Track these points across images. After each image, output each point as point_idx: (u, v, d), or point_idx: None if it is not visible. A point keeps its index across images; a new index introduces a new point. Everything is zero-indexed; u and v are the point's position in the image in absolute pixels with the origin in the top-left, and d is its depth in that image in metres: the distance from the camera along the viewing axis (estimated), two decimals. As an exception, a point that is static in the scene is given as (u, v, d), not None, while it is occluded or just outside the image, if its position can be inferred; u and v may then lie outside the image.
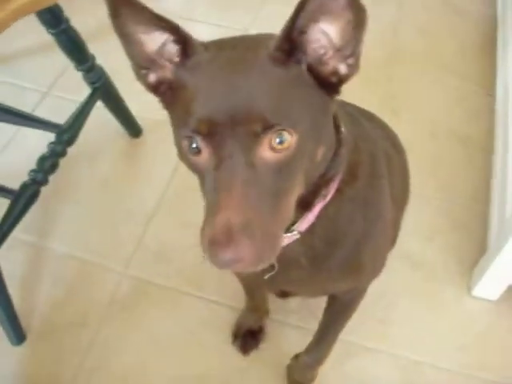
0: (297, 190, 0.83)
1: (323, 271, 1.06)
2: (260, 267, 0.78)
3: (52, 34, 1.59)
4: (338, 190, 0.96)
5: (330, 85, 0.85)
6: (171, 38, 0.86)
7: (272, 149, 0.79)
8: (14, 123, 1.82)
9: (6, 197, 1.58)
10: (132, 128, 1.99)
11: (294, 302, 1.65)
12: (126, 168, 1.96)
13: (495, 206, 1.73)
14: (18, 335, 1.60)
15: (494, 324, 1.65)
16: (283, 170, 0.80)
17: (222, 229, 0.74)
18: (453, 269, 1.74)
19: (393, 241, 1.48)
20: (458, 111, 2.14)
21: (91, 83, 1.75)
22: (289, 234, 0.95)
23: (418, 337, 1.62)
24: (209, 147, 0.80)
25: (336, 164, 0.93)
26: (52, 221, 1.83)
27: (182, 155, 0.85)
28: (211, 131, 0.79)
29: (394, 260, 1.68)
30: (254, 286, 1.48)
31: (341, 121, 0.95)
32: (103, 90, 1.78)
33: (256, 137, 0.78)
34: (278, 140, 0.78)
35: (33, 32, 1.85)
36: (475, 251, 1.75)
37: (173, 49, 0.87)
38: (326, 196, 0.95)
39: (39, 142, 1.79)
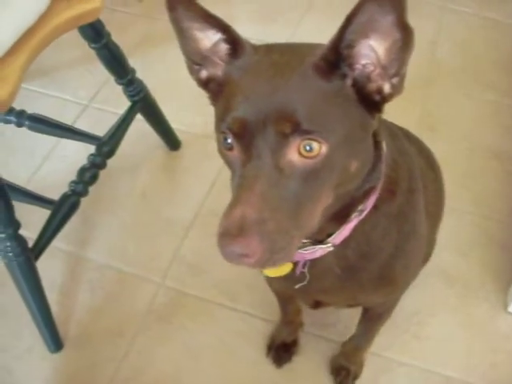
0: (323, 201, 0.84)
1: (355, 282, 1.07)
2: (268, 267, 0.80)
3: (93, 49, 1.62)
4: (375, 207, 0.97)
5: (372, 102, 0.85)
6: (223, 37, 0.88)
7: (300, 154, 0.80)
8: (55, 135, 1.86)
9: (46, 207, 1.61)
10: (171, 141, 2.02)
11: (328, 316, 1.66)
12: (165, 180, 1.99)
13: (532, 223, 1.72)
14: (56, 342, 1.63)
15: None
16: (310, 177, 0.81)
17: (236, 222, 0.76)
18: (488, 285, 1.73)
19: (426, 257, 1.48)
20: (495, 126, 2.13)
21: (131, 96, 1.78)
22: (323, 246, 0.96)
23: (451, 353, 1.61)
24: (240, 145, 0.82)
25: (373, 179, 0.94)
26: (91, 231, 1.86)
27: (219, 149, 0.87)
28: (243, 130, 0.81)
29: (429, 275, 1.68)
30: (287, 298, 1.49)
31: (382, 137, 0.95)
32: (143, 103, 1.81)
33: (285, 138, 0.79)
34: (307, 147, 0.79)
35: (75, 46, 1.90)
36: (511, 268, 1.74)
37: (224, 48, 0.89)
38: (362, 211, 0.95)
39: (79, 153, 1.83)
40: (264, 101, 0.81)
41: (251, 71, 0.86)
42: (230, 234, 0.76)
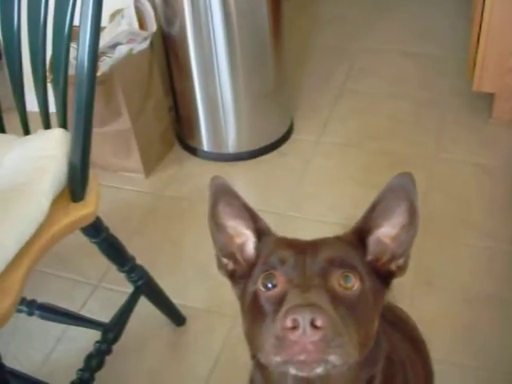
0: (369, 329, 0.90)
1: None
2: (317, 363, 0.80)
3: (94, 243, 1.73)
4: None
5: (382, 278, 0.95)
6: (252, 237, 0.98)
7: (339, 285, 0.87)
8: (64, 323, 1.95)
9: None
10: (175, 317, 2.10)
11: None
12: (173, 356, 2.04)
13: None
14: None
15: None
16: (351, 306, 0.86)
17: (308, 312, 0.78)
18: None
19: None
20: (491, 273, 2.18)
21: (133, 282, 1.88)
22: None
23: None
24: (285, 275, 0.88)
25: (372, 367, 0.97)
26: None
27: (246, 308, 0.93)
28: (289, 262, 0.89)
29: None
30: None
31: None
32: (145, 287, 1.90)
33: (329, 267, 0.88)
34: (346, 279, 0.87)
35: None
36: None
37: (251, 249, 0.99)
38: None
39: (89, 335, 1.90)
40: (308, 251, 0.90)
41: (285, 241, 0.96)
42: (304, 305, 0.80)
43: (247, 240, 1.00)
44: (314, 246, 0.92)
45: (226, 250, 1.01)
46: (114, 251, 1.78)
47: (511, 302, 2.07)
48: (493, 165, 2.66)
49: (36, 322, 2.10)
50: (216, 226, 1.00)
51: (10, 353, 2.00)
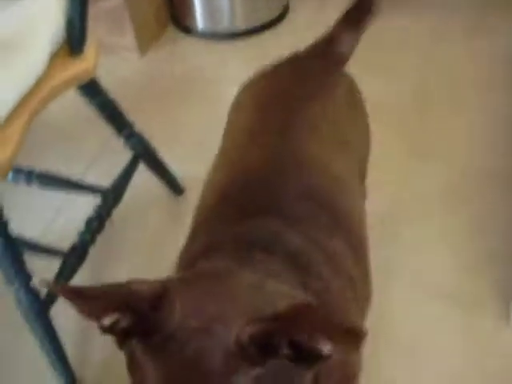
0: None
1: None
2: None
3: (92, 105, 1.72)
4: None
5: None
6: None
7: None
8: (64, 191, 1.96)
9: (57, 258, 1.70)
10: (175, 187, 2.11)
11: None
12: (172, 225, 2.07)
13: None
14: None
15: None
16: None
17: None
18: (492, 300, 1.76)
19: None
20: (488, 145, 2.20)
21: (132, 149, 1.87)
22: None
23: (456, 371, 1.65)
24: None
25: None
26: (102, 279, 1.93)
27: None
28: None
29: (432, 295, 1.74)
30: None
31: None
32: (144, 153, 1.90)
33: None
34: None
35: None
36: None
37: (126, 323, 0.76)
38: None
39: (86, 210, 1.91)
40: None
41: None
42: None
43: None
44: None
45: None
46: (113, 114, 1.77)
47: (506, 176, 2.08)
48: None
49: (35, 195, 2.12)
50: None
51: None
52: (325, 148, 1.19)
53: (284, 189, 1.09)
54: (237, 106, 1.40)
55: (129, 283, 0.76)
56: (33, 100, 1.43)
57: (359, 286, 1.11)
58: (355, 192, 1.25)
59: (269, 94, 1.31)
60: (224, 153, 1.31)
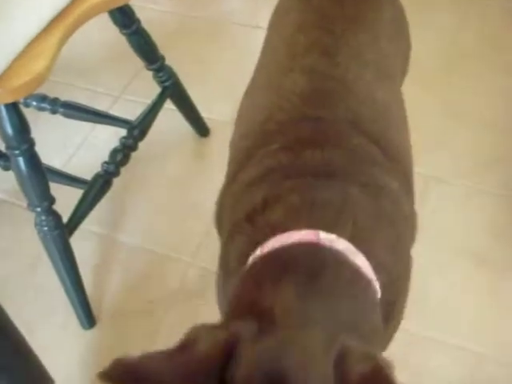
0: None
1: None
2: None
3: (124, 34, 1.68)
4: None
5: None
6: None
7: None
8: (89, 121, 1.92)
9: (79, 187, 1.67)
10: (200, 128, 2.06)
11: None
12: (194, 165, 2.04)
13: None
14: (89, 319, 1.68)
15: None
16: None
17: None
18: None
19: None
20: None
21: (161, 82, 1.83)
22: None
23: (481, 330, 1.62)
24: None
25: None
26: (122, 214, 1.91)
27: None
28: None
29: (458, 257, 1.70)
30: None
31: None
32: (172, 89, 1.86)
33: None
34: None
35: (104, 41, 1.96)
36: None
37: None
38: None
39: (112, 140, 1.88)
40: None
41: None
42: None
43: None
44: None
45: None
46: (145, 45, 1.73)
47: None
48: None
49: (56, 126, 2.08)
50: None
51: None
52: (371, 78, 1.14)
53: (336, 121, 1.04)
54: (278, 20, 1.34)
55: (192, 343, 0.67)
56: (68, 17, 1.38)
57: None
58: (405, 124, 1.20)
59: (312, 11, 1.23)
60: (263, 71, 1.24)
